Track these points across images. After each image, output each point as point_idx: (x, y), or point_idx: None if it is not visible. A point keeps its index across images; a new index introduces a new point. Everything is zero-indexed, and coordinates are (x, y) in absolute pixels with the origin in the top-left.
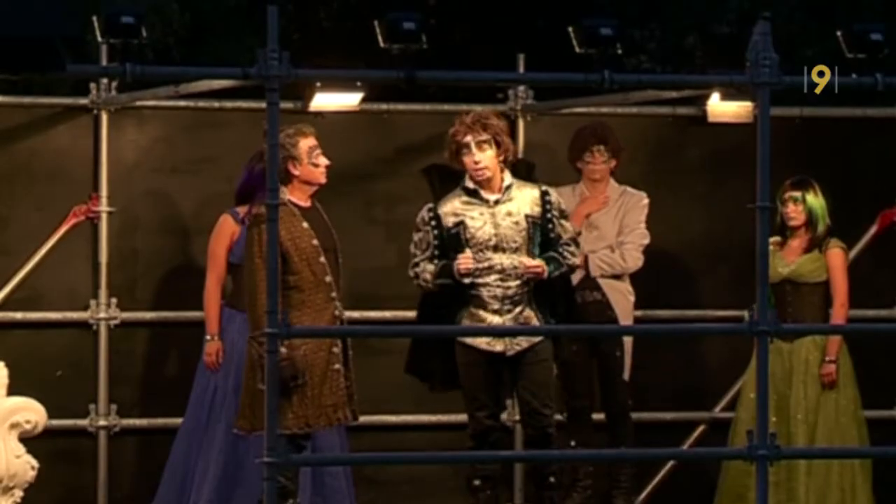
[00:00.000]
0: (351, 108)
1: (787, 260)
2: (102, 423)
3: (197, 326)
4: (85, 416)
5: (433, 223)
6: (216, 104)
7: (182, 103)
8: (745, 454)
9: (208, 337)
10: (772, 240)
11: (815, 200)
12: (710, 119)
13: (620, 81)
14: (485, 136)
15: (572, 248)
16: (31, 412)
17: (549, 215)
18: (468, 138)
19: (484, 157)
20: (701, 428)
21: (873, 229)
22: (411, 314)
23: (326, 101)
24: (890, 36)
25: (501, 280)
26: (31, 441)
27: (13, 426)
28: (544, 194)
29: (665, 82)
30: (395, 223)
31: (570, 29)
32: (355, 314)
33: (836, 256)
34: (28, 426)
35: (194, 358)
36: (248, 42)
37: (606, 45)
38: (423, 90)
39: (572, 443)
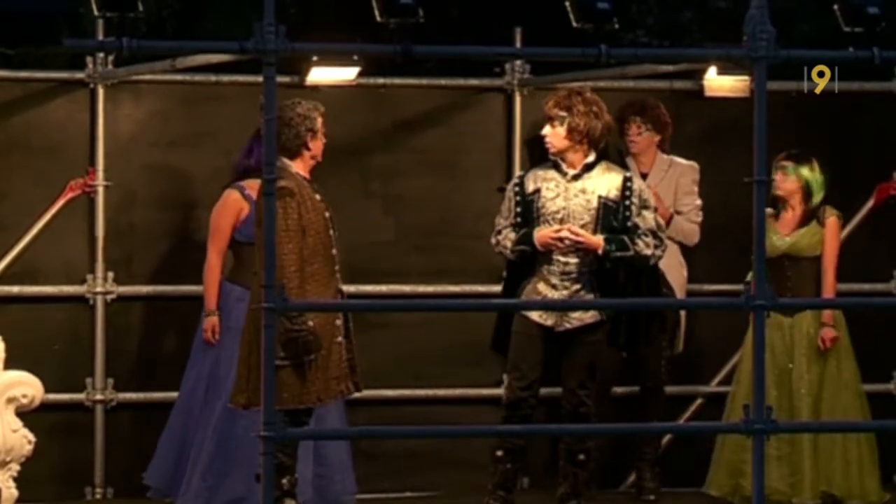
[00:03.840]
0: (347, 82)
1: (782, 232)
2: (99, 397)
3: (194, 301)
4: (81, 391)
5: (516, 189)
6: (213, 78)
7: (179, 77)
8: (741, 428)
9: (207, 312)
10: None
11: (812, 175)
12: (707, 93)
13: (617, 56)
14: (563, 114)
15: (648, 240)
16: (28, 386)
17: (627, 202)
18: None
19: (550, 133)
20: (698, 402)
21: (870, 203)
22: (407, 289)
23: (323, 75)
24: (887, 9)
25: (563, 255)
26: (28, 415)
27: (10, 400)
28: (626, 180)
29: (662, 56)
30: (391, 197)
31: (568, 3)
32: (351, 288)
33: (832, 224)
34: (25, 400)
35: (191, 332)
36: (244, 16)
37: (603, 20)
38: (420, 64)
39: None
